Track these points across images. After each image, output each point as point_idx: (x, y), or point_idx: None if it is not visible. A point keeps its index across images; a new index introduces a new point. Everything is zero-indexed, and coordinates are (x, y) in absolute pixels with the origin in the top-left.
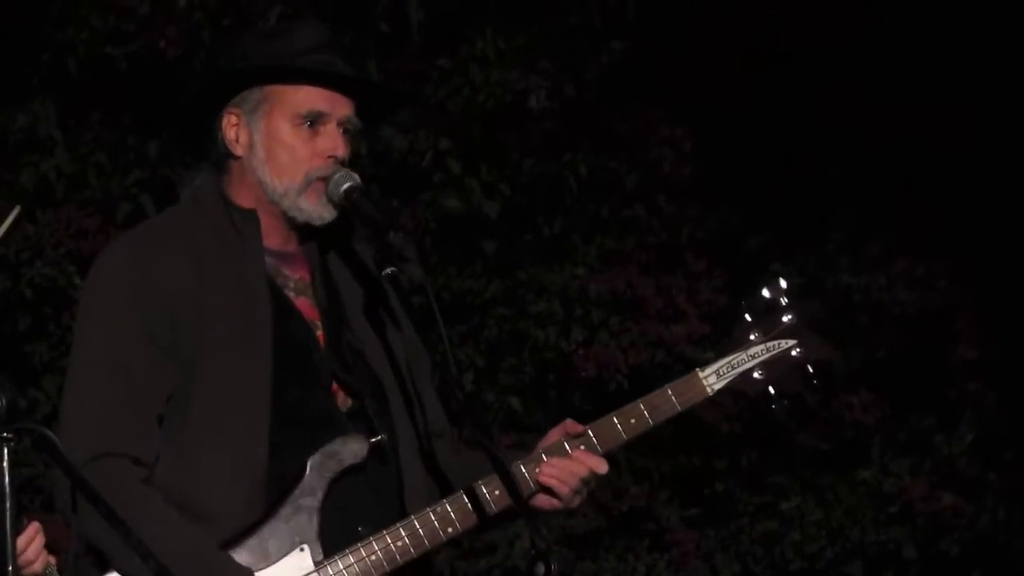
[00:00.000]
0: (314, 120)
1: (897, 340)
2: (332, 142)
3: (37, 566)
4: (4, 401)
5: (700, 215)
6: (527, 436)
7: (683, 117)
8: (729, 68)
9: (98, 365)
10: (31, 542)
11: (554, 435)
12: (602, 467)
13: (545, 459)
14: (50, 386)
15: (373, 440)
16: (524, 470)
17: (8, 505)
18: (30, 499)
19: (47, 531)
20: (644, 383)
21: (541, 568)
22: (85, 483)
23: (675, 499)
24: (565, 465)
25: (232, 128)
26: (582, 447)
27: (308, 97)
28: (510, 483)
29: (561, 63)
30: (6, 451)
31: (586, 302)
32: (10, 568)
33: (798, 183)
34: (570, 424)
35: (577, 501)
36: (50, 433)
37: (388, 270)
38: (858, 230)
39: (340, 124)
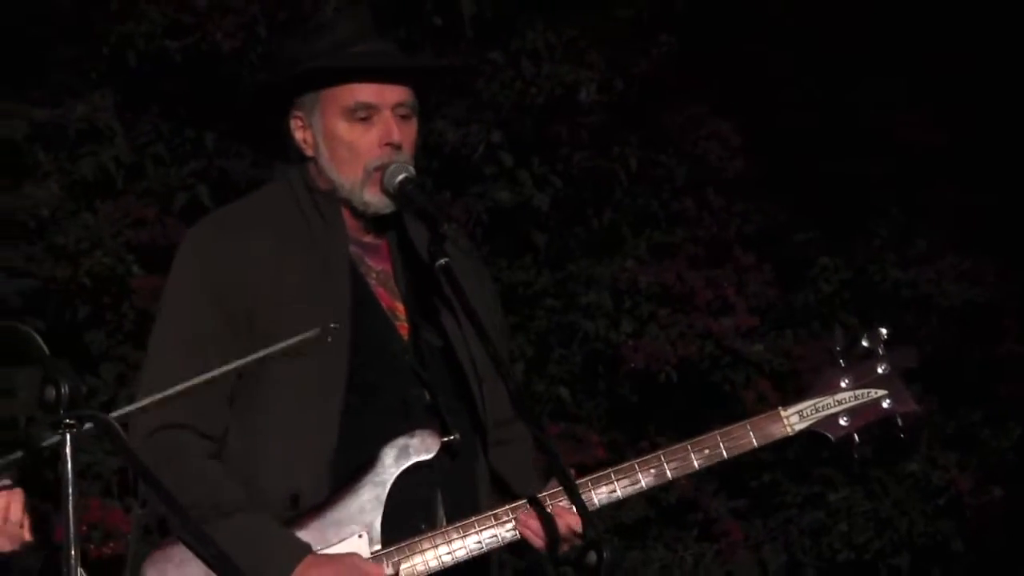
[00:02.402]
0: (365, 112)
1: (945, 334)
2: (385, 129)
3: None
4: (66, 388)
5: (749, 209)
6: (576, 426)
7: (732, 111)
8: (777, 62)
9: (172, 339)
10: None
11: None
12: (577, 527)
13: (529, 509)
14: (108, 374)
15: (446, 439)
16: (512, 514)
17: (71, 490)
18: (89, 484)
19: (107, 517)
20: (693, 375)
21: (593, 557)
22: (146, 470)
23: (723, 490)
24: (544, 518)
25: (299, 131)
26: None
27: (354, 92)
28: (563, 476)
29: (611, 57)
30: (68, 438)
31: (635, 294)
32: (72, 552)
33: (846, 177)
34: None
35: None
36: (111, 420)
37: (441, 261)
38: (905, 225)
39: (393, 109)
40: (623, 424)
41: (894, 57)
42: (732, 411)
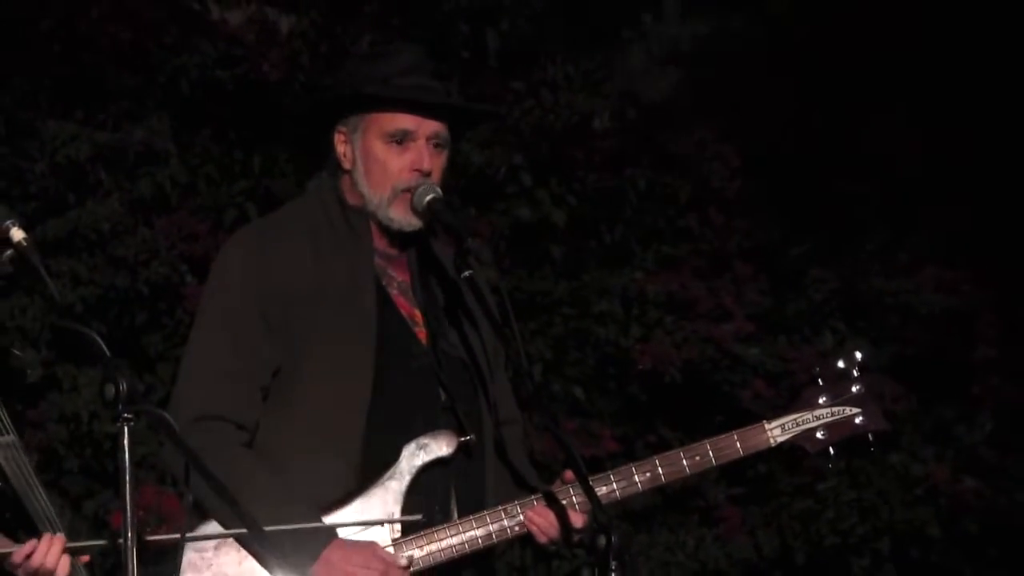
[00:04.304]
0: (402, 138)
1: (924, 339)
2: (418, 156)
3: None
4: (124, 385)
5: (747, 225)
6: (590, 422)
7: (732, 136)
8: (773, 93)
9: (212, 336)
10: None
11: (557, 484)
12: (578, 523)
13: (536, 504)
14: (164, 373)
15: (462, 439)
16: (519, 510)
17: (129, 479)
18: (145, 473)
19: (162, 503)
20: (695, 376)
21: (602, 540)
22: (196, 458)
23: (723, 479)
24: (548, 516)
25: (341, 145)
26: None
27: (395, 119)
28: (578, 469)
29: (623, 87)
30: (126, 430)
31: (643, 302)
32: (129, 535)
33: (836, 197)
34: (567, 474)
35: (557, 546)
36: (166, 414)
37: (466, 272)
38: (889, 240)
39: (428, 139)
40: (632, 420)
41: (879, 84)
42: (730, 408)
